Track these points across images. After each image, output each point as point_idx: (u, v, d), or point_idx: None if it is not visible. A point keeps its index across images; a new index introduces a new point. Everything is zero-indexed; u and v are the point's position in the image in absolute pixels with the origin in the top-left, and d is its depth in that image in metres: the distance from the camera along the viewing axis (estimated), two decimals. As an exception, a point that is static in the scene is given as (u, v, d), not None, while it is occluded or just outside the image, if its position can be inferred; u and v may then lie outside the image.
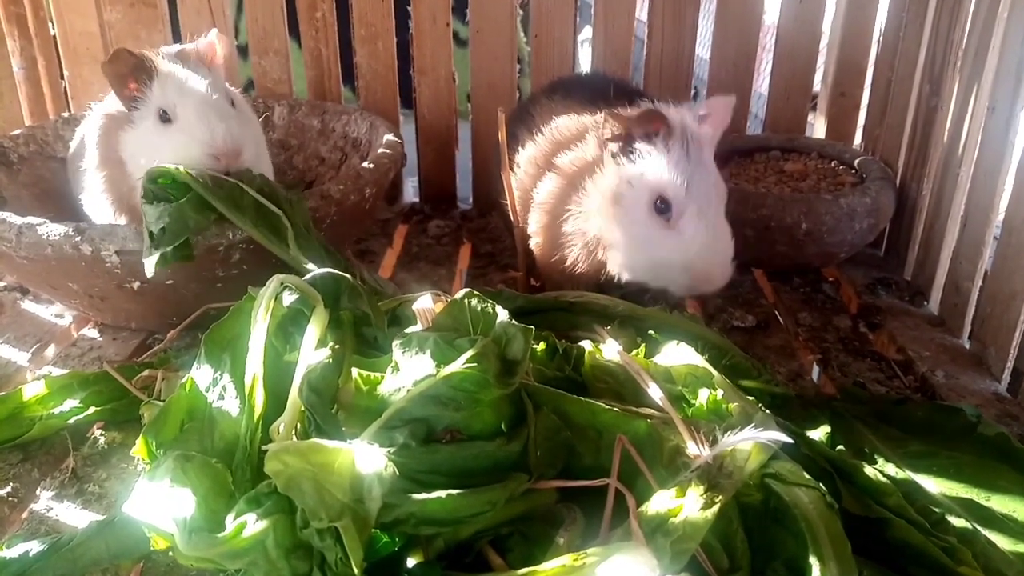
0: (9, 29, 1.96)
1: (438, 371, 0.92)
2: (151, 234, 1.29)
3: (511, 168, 1.53)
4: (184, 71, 1.43)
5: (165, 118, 1.41)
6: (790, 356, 1.52)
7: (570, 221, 1.42)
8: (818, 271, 1.84)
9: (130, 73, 1.41)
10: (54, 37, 2.12)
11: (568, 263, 1.44)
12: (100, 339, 1.55)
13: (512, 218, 1.56)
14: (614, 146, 1.35)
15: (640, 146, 1.32)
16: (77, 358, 1.49)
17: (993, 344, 1.47)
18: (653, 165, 1.30)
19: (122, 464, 1.21)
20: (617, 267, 1.37)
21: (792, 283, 1.80)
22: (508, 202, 1.55)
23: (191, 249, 1.32)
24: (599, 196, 1.35)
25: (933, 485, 1.08)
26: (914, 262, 1.80)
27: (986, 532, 0.99)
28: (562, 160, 1.45)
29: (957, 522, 1.00)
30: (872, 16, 1.99)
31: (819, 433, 1.16)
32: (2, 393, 1.26)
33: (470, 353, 0.93)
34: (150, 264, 1.28)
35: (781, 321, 1.66)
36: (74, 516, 1.12)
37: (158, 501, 0.88)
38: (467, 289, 1.05)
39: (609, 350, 1.15)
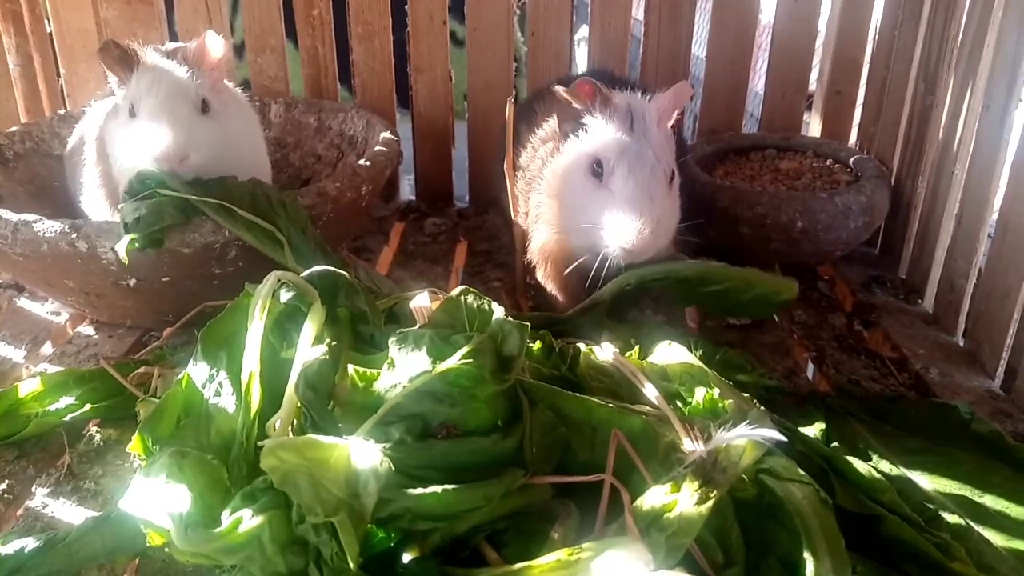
0: (5, 26, 1.96)
1: (434, 367, 0.93)
2: (125, 224, 1.31)
3: (514, 166, 1.54)
4: (160, 68, 1.42)
5: (132, 113, 1.41)
6: (785, 354, 1.53)
7: (537, 204, 1.45)
8: (813, 269, 1.85)
9: (115, 64, 1.41)
10: (50, 34, 2.12)
11: (551, 245, 1.45)
12: (96, 336, 1.55)
13: (512, 213, 1.56)
14: (567, 126, 1.39)
15: (587, 120, 1.36)
16: (73, 355, 1.49)
17: (987, 341, 1.47)
18: (593, 133, 1.35)
19: (118, 461, 1.22)
20: (568, 241, 1.39)
21: (787, 281, 1.80)
22: (508, 196, 1.55)
23: (163, 235, 1.32)
24: (552, 175, 1.40)
25: (927, 482, 1.09)
26: (909, 260, 1.81)
27: (979, 528, 1.00)
28: (541, 150, 1.48)
29: (951, 518, 1.01)
30: (868, 14, 2.00)
31: (814, 430, 1.17)
32: (-2, 390, 1.26)
33: (466, 349, 0.93)
34: (121, 248, 1.29)
35: (776, 319, 1.66)
36: (70, 513, 1.12)
37: (154, 497, 0.88)
38: (463, 286, 1.05)
39: (604, 350, 1.15)
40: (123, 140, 1.41)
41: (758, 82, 2.41)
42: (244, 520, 0.83)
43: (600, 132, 1.35)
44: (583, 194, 1.34)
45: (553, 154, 1.41)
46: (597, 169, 1.32)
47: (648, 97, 1.38)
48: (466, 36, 2.09)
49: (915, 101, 1.79)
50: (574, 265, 1.38)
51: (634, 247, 1.28)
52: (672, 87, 1.39)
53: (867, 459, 1.12)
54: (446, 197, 2.26)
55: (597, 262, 1.33)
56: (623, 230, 1.28)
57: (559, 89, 1.36)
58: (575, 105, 1.36)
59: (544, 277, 1.50)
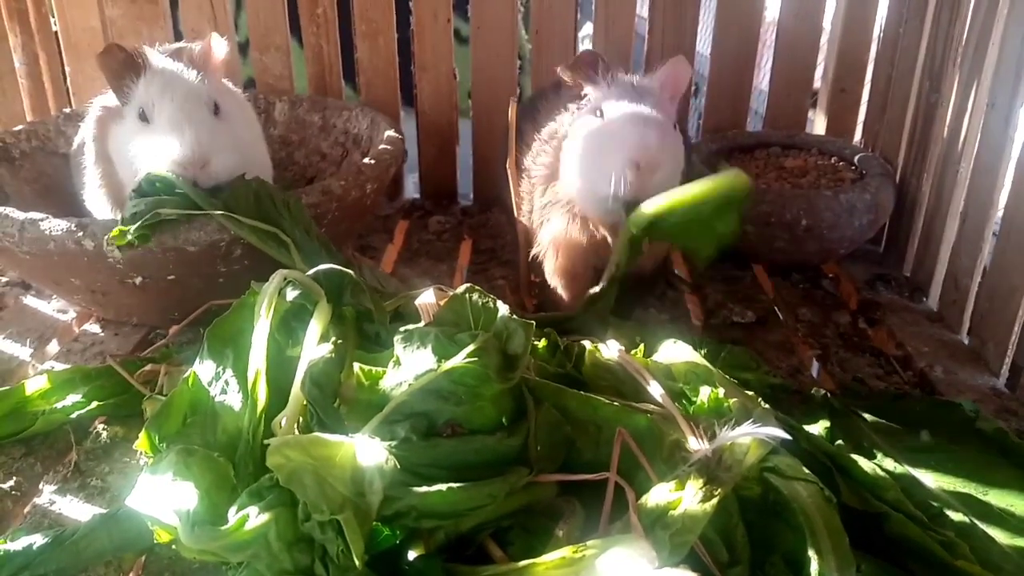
0: (11, 25, 1.97)
1: (439, 365, 0.93)
2: (123, 219, 1.31)
3: (517, 165, 1.54)
4: (170, 72, 1.40)
5: (143, 117, 1.38)
6: (789, 352, 1.53)
7: (552, 192, 1.45)
8: (817, 267, 1.85)
9: (120, 68, 1.40)
10: (56, 33, 2.12)
11: (563, 237, 1.44)
12: (102, 334, 1.56)
13: (515, 211, 1.56)
14: (573, 105, 1.41)
15: (588, 92, 1.38)
16: (79, 353, 1.50)
17: (992, 340, 1.47)
18: (593, 95, 1.38)
19: (124, 458, 1.22)
20: (583, 209, 1.38)
21: (791, 279, 1.80)
22: (511, 195, 1.55)
23: (151, 232, 1.32)
24: (564, 154, 1.41)
25: (931, 480, 1.09)
26: (913, 258, 1.81)
27: (984, 526, 1.00)
28: (547, 147, 1.49)
29: (955, 516, 1.01)
30: (872, 12, 1.99)
31: (818, 428, 1.17)
32: (5, 388, 1.26)
33: (471, 348, 0.93)
34: (106, 237, 1.30)
35: (780, 317, 1.66)
36: (77, 510, 1.12)
37: (161, 494, 0.88)
38: (468, 284, 1.05)
39: (609, 349, 1.16)
40: (137, 146, 1.38)
41: (763, 80, 2.41)
42: (250, 518, 0.83)
43: (600, 92, 1.37)
44: (585, 141, 1.34)
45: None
46: (597, 115, 1.34)
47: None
48: (470, 34, 2.09)
49: (920, 99, 1.79)
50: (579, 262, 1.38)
51: (642, 157, 1.26)
52: (670, 66, 1.40)
53: (871, 457, 1.12)
54: (450, 195, 2.26)
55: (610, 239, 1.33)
56: (628, 144, 1.27)
57: (559, 68, 1.39)
58: (578, 80, 1.39)
59: (553, 271, 1.49)
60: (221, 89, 1.49)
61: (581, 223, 1.40)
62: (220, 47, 1.46)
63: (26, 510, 1.13)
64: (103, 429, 1.27)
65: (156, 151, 1.34)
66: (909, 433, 1.20)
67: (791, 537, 0.87)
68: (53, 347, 1.55)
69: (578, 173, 1.35)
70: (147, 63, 1.40)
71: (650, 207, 1.25)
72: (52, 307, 1.66)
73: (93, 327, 1.58)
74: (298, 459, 0.82)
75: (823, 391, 1.31)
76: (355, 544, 0.78)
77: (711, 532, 0.85)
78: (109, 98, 1.51)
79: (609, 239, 1.38)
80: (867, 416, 1.23)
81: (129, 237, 1.30)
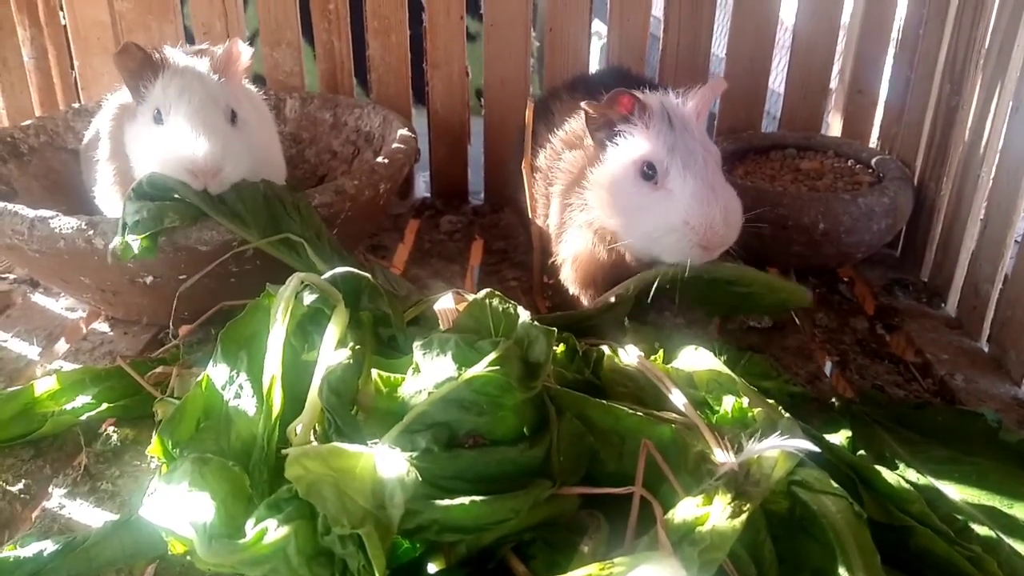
0: (20, 18, 1.95)
1: (460, 374, 0.91)
2: (124, 224, 1.29)
3: (532, 166, 1.52)
4: (190, 74, 1.37)
5: (158, 119, 1.36)
6: (807, 358, 1.51)
7: (579, 213, 1.41)
8: (834, 271, 1.83)
9: (138, 67, 1.38)
10: (64, 26, 2.10)
11: (585, 254, 1.42)
12: (111, 333, 1.54)
13: (529, 213, 1.54)
14: (600, 135, 1.35)
15: (622, 128, 1.32)
16: (88, 352, 1.48)
17: (1013, 348, 1.45)
18: (635, 139, 1.31)
19: (135, 462, 1.20)
20: (626, 249, 1.35)
21: (808, 283, 1.78)
22: (525, 196, 1.53)
23: (156, 242, 1.30)
24: (597, 185, 1.35)
25: (955, 492, 1.07)
26: (931, 263, 1.78)
27: (1010, 541, 0.98)
28: (568, 154, 1.45)
29: (981, 530, 0.99)
30: (891, 11, 1.97)
31: (840, 437, 1.15)
32: (14, 388, 1.25)
33: (492, 356, 0.92)
34: (112, 245, 1.29)
35: (797, 322, 1.64)
36: (87, 514, 1.11)
37: (177, 505, 0.87)
38: (488, 289, 1.03)
39: (628, 354, 1.14)
40: (149, 147, 1.36)
41: (778, 83, 2.38)
42: (269, 531, 0.81)
43: (642, 135, 1.30)
44: (638, 200, 1.29)
45: (592, 163, 1.36)
46: (648, 172, 1.28)
47: (676, 94, 1.35)
48: (483, 32, 2.07)
49: (940, 102, 1.76)
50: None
51: (711, 242, 1.24)
52: (708, 83, 1.36)
53: (894, 468, 1.10)
54: (461, 194, 2.24)
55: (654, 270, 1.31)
56: (696, 228, 1.23)
57: (589, 106, 1.32)
58: (610, 117, 1.32)
59: (572, 282, 1.47)
60: (239, 94, 1.47)
61: (606, 243, 1.37)
62: (243, 52, 1.45)
63: (35, 514, 1.12)
64: (113, 431, 1.26)
65: (169, 155, 1.32)
66: (931, 443, 1.18)
67: (820, 553, 0.86)
68: (61, 346, 1.53)
69: (631, 228, 1.31)
70: (167, 63, 1.38)
71: (709, 274, 1.29)
72: (61, 305, 1.64)
73: (102, 326, 1.56)
74: (318, 470, 0.80)
75: (844, 399, 1.30)
76: (376, 559, 0.76)
77: (738, 547, 0.83)
78: (126, 94, 1.49)
79: (635, 263, 1.36)
80: (888, 425, 1.22)
81: (134, 250, 1.28)
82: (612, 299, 1.35)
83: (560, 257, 1.46)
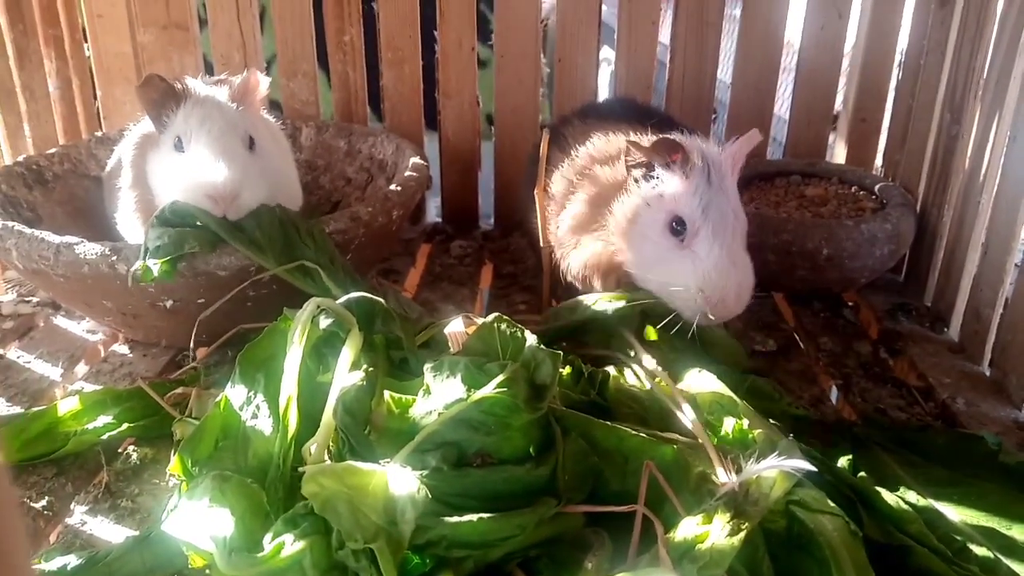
0: (47, 51, 2.01)
1: (469, 395, 0.95)
2: (146, 249, 1.34)
3: (545, 191, 1.56)
4: (211, 103, 1.43)
5: (179, 146, 1.41)
6: (811, 381, 1.54)
7: (595, 238, 1.44)
8: (838, 296, 1.86)
9: (159, 98, 1.44)
10: (88, 58, 2.17)
11: (596, 259, 1.45)
12: (131, 355, 1.58)
13: (542, 237, 1.57)
14: (637, 172, 1.37)
15: (660, 171, 1.34)
16: (108, 374, 1.52)
17: (1014, 372, 1.48)
18: (672, 187, 1.32)
19: (154, 480, 1.24)
20: (642, 279, 1.38)
21: (812, 307, 1.81)
22: (537, 220, 1.57)
23: (175, 267, 1.35)
24: (622, 216, 1.38)
25: (955, 513, 1.09)
26: (934, 288, 1.81)
27: (1008, 562, 1.00)
28: (593, 179, 1.48)
29: (979, 551, 1.01)
30: (893, 42, 2.01)
31: (841, 459, 1.17)
32: (38, 408, 1.29)
33: (500, 378, 0.95)
34: (133, 269, 1.33)
35: (802, 346, 1.67)
36: (107, 530, 1.14)
37: (198, 520, 0.90)
38: (496, 314, 1.07)
39: (632, 375, 1.17)
40: (171, 174, 1.41)
41: (783, 109, 2.42)
42: (286, 545, 0.85)
43: (678, 186, 1.30)
44: (662, 252, 1.31)
45: (620, 190, 1.39)
46: (677, 228, 1.30)
47: (719, 145, 1.36)
48: (493, 61, 2.12)
49: (940, 130, 1.80)
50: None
51: (718, 314, 1.27)
52: (745, 135, 1.37)
53: (894, 489, 1.12)
54: (472, 219, 2.29)
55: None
56: (721, 301, 1.26)
57: (633, 146, 1.33)
58: (651, 159, 1.33)
59: (581, 280, 1.50)
60: (257, 122, 1.52)
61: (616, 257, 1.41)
62: (261, 82, 1.50)
63: (57, 530, 1.15)
64: (133, 451, 1.30)
65: (190, 181, 1.37)
66: (932, 465, 1.20)
67: (816, 570, 0.88)
68: (82, 367, 1.58)
69: (645, 268, 1.34)
70: (188, 93, 1.43)
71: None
72: (82, 328, 1.69)
73: (121, 348, 1.61)
74: (332, 487, 0.84)
75: (846, 422, 1.32)
76: (388, 573, 0.80)
77: (737, 564, 0.86)
78: (148, 125, 1.55)
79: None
80: (889, 447, 1.24)
81: (154, 273, 1.33)
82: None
83: (574, 271, 1.49)
